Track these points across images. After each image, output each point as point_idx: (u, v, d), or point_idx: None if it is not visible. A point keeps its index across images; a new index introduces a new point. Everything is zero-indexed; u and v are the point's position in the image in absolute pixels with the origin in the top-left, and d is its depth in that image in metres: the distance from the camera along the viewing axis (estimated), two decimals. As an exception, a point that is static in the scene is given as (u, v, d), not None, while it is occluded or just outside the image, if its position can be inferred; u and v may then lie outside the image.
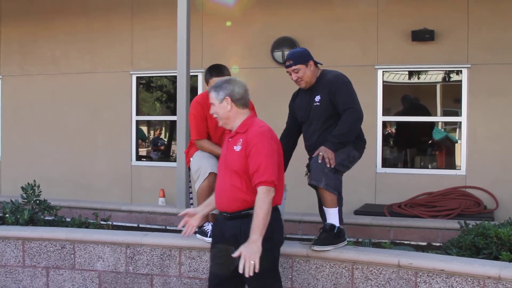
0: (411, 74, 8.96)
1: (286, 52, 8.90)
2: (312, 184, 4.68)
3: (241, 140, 3.99)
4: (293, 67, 4.90)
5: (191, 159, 5.35)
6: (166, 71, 9.83)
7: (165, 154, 10.86)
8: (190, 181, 6.14)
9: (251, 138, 3.93)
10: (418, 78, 8.99)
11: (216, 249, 4.14)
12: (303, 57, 4.92)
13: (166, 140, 10.97)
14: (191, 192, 6.23)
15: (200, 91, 9.54)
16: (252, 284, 4.04)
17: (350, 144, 4.81)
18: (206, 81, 5.36)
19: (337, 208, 4.72)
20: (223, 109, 4.05)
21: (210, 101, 4.10)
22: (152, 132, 10.97)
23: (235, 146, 3.99)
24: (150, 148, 10.54)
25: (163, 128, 11.21)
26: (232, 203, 3.99)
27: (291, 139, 5.24)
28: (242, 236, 3.90)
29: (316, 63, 4.97)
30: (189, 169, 5.69)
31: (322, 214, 4.97)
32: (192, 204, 6.24)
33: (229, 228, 4.02)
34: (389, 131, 9.26)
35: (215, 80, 4.86)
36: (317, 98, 4.89)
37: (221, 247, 4.07)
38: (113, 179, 10.02)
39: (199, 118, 5.21)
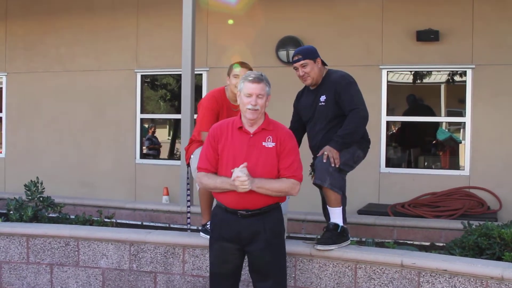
0: (415, 74, 8.96)
1: (291, 52, 8.92)
2: (317, 183, 4.69)
3: (270, 137, 4.07)
4: (302, 62, 4.91)
5: (191, 156, 5.32)
6: (171, 69, 9.85)
7: (159, 153, 10.88)
8: (188, 178, 6.14)
9: (283, 137, 4.11)
10: (423, 78, 8.99)
11: (225, 250, 4.10)
12: (312, 53, 4.95)
13: (169, 138, 10.96)
14: (188, 189, 6.21)
15: (204, 89, 9.55)
16: (272, 279, 4.08)
17: (354, 144, 4.82)
18: (229, 74, 5.28)
19: (341, 207, 4.74)
20: (265, 104, 4.08)
21: (258, 92, 4.01)
22: (148, 130, 10.93)
23: (264, 142, 4.05)
24: (144, 147, 10.51)
25: (154, 127, 11.16)
26: (259, 201, 4.02)
27: (295, 138, 5.23)
28: (267, 232, 4.03)
29: (323, 62, 4.99)
30: (187, 165, 5.66)
31: (326, 214, 4.98)
32: (189, 201, 6.23)
33: (248, 225, 4.03)
34: (393, 130, 9.26)
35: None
36: (323, 98, 4.90)
37: (231, 247, 4.08)
38: (117, 177, 10.04)
39: (212, 112, 5.17)
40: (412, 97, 9.08)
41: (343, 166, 4.71)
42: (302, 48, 5.09)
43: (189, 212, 6.21)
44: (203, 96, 9.44)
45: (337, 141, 4.69)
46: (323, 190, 4.78)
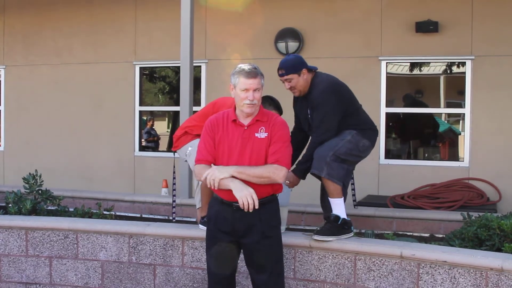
0: (414, 65, 8.94)
1: (290, 43, 8.90)
2: (314, 173, 4.66)
3: (263, 127, 4.03)
4: (285, 77, 4.78)
5: (189, 147, 5.27)
6: (169, 61, 9.83)
7: (158, 145, 10.90)
8: (174, 166, 6.11)
9: (275, 126, 4.05)
10: (422, 69, 8.97)
11: (220, 241, 4.09)
12: (295, 66, 4.78)
13: (168, 130, 10.97)
14: (174, 178, 6.19)
15: (203, 81, 9.53)
16: (269, 272, 4.06)
17: (357, 134, 4.76)
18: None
19: (342, 198, 4.69)
20: (261, 96, 4.06)
21: (255, 87, 3.95)
22: (147, 123, 10.94)
23: (257, 134, 4.02)
24: (143, 140, 10.52)
25: (152, 119, 11.17)
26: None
27: (299, 136, 5.13)
28: (263, 224, 4.01)
29: (309, 70, 4.84)
30: (174, 153, 5.61)
31: (324, 205, 4.95)
32: (175, 195, 6.22)
33: (243, 218, 3.99)
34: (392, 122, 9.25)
35: None
36: (309, 111, 4.84)
37: (227, 239, 4.06)
38: (116, 170, 10.03)
39: None
40: (408, 95, 9.09)
41: (344, 156, 4.65)
42: (285, 61, 4.85)
43: (174, 201, 6.24)
44: (201, 89, 9.50)
45: (296, 168, 4.82)
46: (322, 181, 4.74)
